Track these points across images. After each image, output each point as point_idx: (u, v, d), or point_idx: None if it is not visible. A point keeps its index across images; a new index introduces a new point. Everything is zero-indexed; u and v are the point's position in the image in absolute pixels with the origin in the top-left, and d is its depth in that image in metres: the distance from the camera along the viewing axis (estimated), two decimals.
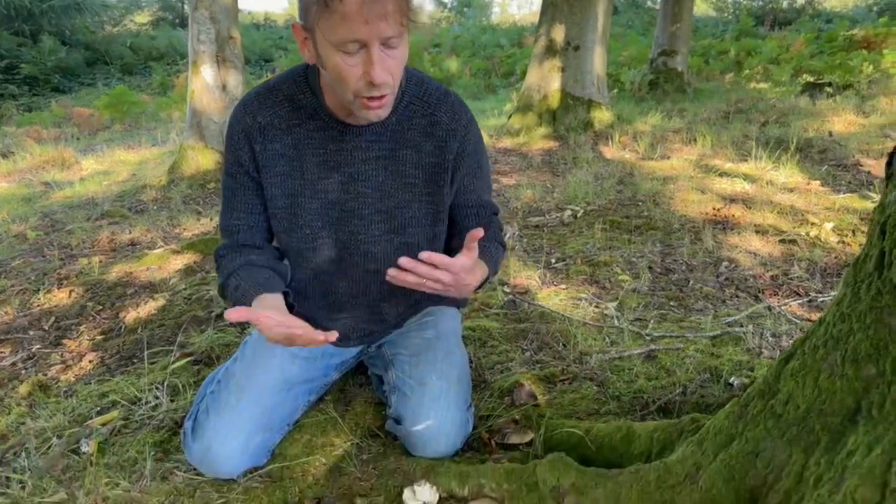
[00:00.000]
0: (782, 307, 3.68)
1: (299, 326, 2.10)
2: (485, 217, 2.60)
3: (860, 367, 1.59)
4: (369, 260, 2.55)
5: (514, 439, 2.58)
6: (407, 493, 2.32)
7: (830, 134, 7.95)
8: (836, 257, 4.45)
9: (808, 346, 1.75)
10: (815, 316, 3.61)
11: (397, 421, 2.56)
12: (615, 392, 2.92)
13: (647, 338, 3.46)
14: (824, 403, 1.65)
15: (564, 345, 3.48)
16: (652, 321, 3.70)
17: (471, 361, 3.21)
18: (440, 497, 2.33)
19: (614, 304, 4.00)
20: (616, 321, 3.71)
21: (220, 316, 4.28)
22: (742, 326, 3.42)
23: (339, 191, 2.47)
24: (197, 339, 3.81)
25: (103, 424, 3.02)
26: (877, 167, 6.57)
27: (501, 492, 2.25)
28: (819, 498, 1.53)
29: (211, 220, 6.65)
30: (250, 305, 2.27)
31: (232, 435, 2.46)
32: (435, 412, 2.47)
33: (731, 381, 2.80)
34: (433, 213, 2.54)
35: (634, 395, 2.87)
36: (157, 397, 3.13)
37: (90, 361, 3.90)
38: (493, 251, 2.54)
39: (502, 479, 2.26)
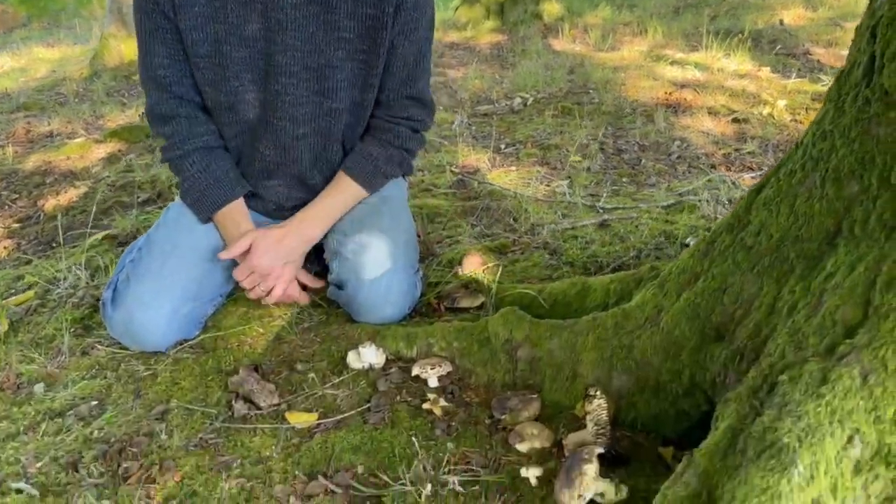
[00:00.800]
0: (736, 179, 3.59)
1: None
2: (400, 111, 2.41)
3: (842, 185, 1.46)
4: (295, 124, 2.32)
5: (465, 303, 2.45)
6: (351, 356, 2.17)
7: (781, 23, 7.82)
8: (788, 135, 4.38)
9: (782, 173, 1.62)
10: None
11: (339, 286, 2.39)
12: (568, 259, 2.79)
13: (601, 210, 3.33)
14: (800, 229, 1.52)
15: (515, 219, 3.34)
16: (605, 195, 3.58)
17: (418, 236, 3.04)
18: (387, 359, 2.18)
19: (566, 181, 3.85)
20: (568, 196, 3.57)
21: (146, 201, 3.99)
22: (696, 195, 3.32)
23: (266, 39, 2.20)
24: (121, 222, 3.52)
25: (18, 305, 2.76)
26: (827, 55, 6.50)
27: (451, 350, 2.12)
28: (794, 325, 1.42)
29: (136, 110, 6.18)
30: (211, 213, 2.36)
31: (157, 303, 2.24)
32: (380, 275, 2.30)
33: (686, 241, 2.70)
34: (364, 77, 2.30)
35: (588, 259, 2.75)
36: (77, 276, 2.87)
37: (5, 248, 3.59)
38: (366, 167, 2.42)
39: (452, 338, 2.12)
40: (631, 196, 3.56)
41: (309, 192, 2.48)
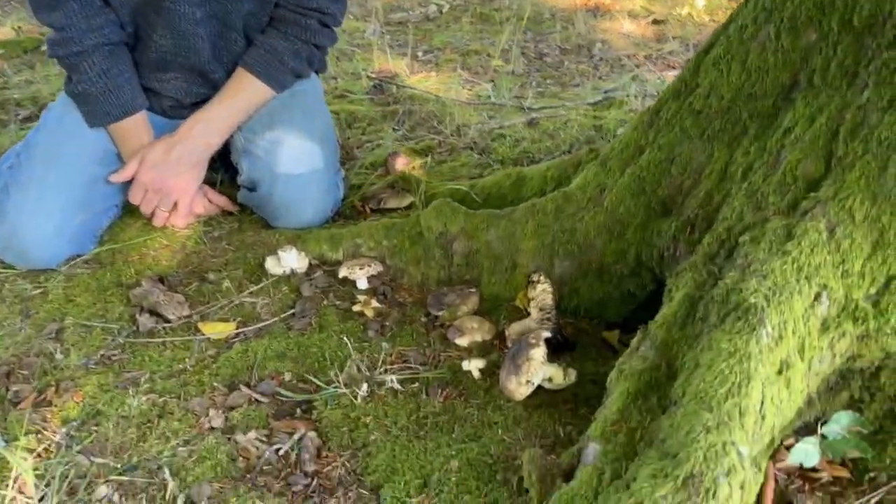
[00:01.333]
0: (662, 75, 3.51)
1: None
2: (309, 1, 2.11)
3: (799, 34, 1.36)
4: (190, 5, 2.03)
5: (392, 203, 2.28)
6: (270, 262, 1.97)
7: None
8: (708, 34, 4.34)
9: (732, 30, 1.50)
10: None
11: (251, 188, 2.16)
12: (498, 157, 2.65)
13: (527, 110, 3.19)
14: (754, 86, 1.42)
15: (440, 121, 3.15)
16: (530, 97, 3.43)
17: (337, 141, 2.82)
18: (310, 263, 2.01)
19: (490, 84, 3.68)
20: (493, 98, 3.41)
21: (28, 118, 3.56)
22: (622, 91, 3.22)
23: None
24: None
25: None
26: None
27: (381, 250, 1.96)
28: (751, 186, 1.33)
29: (12, 24, 5.53)
30: (105, 123, 2.10)
31: (43, 213, 1.96)
32: (297, 172, 2.09)
33: (617, 132, 2.59)
34: None
35: (519, 156, 2.62)
36: None
37: None
38: (270, 63, 2.13)
39: (381, 237, 1.96)
40: (557, 96, 3.43)
41: (211, 87, 2.21)
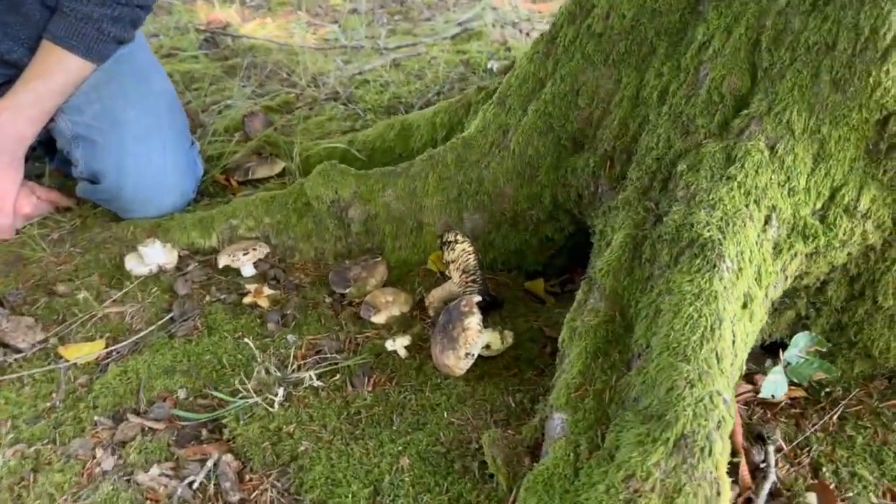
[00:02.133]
0: (513, 2, 3.40)
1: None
2: None
3: None
4: None
5: (262, 173, 2.02)
6: (130, 260, 1.68)
7: None
8: None
9: None
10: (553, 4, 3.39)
11: (93, 180, 1.83)
12: (367, 105, 2.44)
13: (384, 51, 2.97)
14: (657, 1, 1.31)
15: (291, 72, 2.87)
16: (383, 35, 3.20)
17: None
18: (179, 256, 1.73)
19: (335, 26, 3.40)
20: (343, 41, 3.15)
21: None
22: (478, 20, 3.08)
23: None
24: None
25: None
26: None
27: (263, 228, 1.72)
28: (673, 109, 1.24)
29: None
30: None
31: None
32: (148, 156, 1.78)
33: (489, 66, 2.46)
34: None
35: (390, 103, 2.42)
36: None
37: None
38: (85, 32, 1.75)
39: (261, 213, 1.72)
40: (410, 32, 3.23)
41: (11, 68, 1.82)
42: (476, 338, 1.28)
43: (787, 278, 1.12)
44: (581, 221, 1.49)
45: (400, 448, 1.21)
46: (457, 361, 1.28)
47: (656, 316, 1.05)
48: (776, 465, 1.09)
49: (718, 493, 0.92)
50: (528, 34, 2.81)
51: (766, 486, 1.05)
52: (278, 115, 2.40)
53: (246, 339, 1.48)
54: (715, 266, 1.02)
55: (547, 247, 1.56)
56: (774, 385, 1.10)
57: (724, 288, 1.01)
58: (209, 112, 2.56)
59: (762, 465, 1.10)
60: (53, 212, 1.94)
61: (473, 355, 1.29)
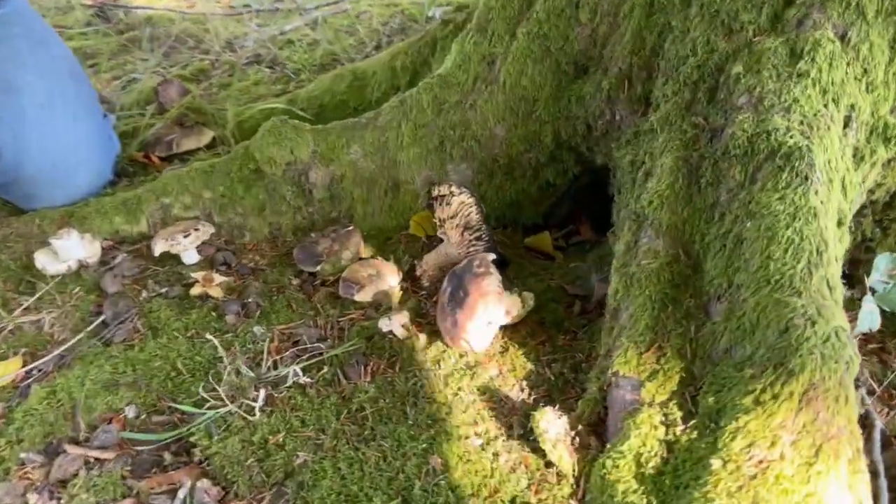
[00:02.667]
0: None
1: None
2: None
3: None
4: None
5: (189, 144, 1.71)
6: (42, 257, 1.36)
7: None
8: None
9: None
10: None
11: None
12: (297, 66, 2.16)
13: (304, 11, 2.68)
14: None
15: (199, 40, 2.53)
16: None
17: None
18: (103, 247, 1.42)
19: None
20: (255, 6, 2.83)
21: None
22: None
23: None
24: None
25: None
26: None
27: (203, 204, 1.43)
28: (706, 8, 1.06)
29: None
30: None
31: None
32: (53, 125, 1.45)
33: (430, 14, 2.22)
34: None
35: (325, 61, 2.15)
36: None
37: None
38: None
39: (199, 187, 1.43)
40: None
41: None
42: (497, 302, 1.06)
43: (863, 192, 0.96)
44: (588, 160, 1.29)
45: (424, 445, 0.98)
46: (477, 333, 1.06)
47: (737, 247, 0.86)
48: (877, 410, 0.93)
49: (859, 451, 0.74)
50: None
51: (877, 437, 0.88)
52: (194, 85, 2.08)
53: (207, 336, 1.20)
54: (807, 178, 0.84)
55: (547, 195, 1.36)
56: (871, 317, 0.94)
57: (821, 203, 0.83)
58: (112, 88, 2.21)
59: (861, 414, 0.93)
60: None
61: (496, 324, 1.07)
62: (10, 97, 1.42)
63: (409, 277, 1.30)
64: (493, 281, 1.07)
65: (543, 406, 0.95)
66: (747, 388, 0.76)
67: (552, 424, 0.91)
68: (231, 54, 2.34)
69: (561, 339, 1.11)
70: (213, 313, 1.28)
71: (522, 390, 1.04)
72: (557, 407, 0.95)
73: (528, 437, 0.96)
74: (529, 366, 1.07)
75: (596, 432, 0.92)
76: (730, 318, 0.83)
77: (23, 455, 1.05)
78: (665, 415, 0.83)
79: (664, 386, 0.85)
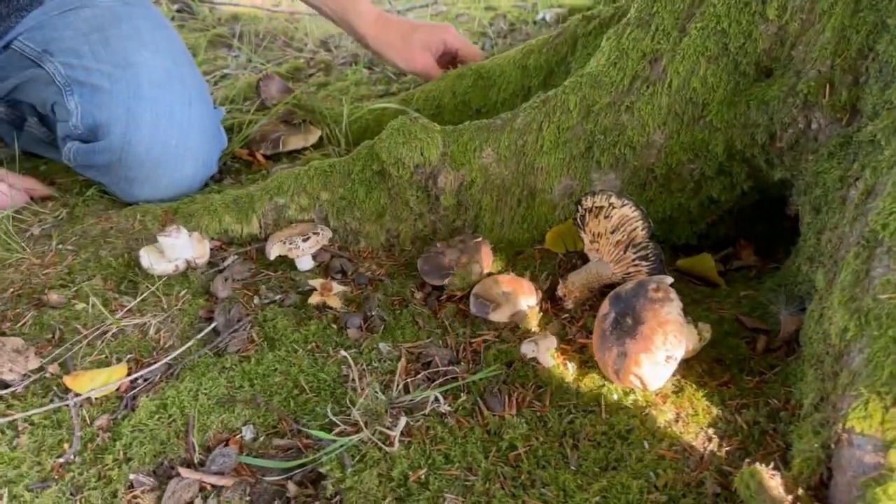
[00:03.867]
0: None
1: None
2: None
3: None
4: None
5: (295, 143, 1.61)
6: (147, 255, 1.26)
7: None
8: None
9: None
10: None
11: (86, 138, 1.39)
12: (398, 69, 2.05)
13: (398, 11, 2.58)
14: None
15: (290, 38, 2.45)
16: None
17: None
18: (211, 247, 1.32)
19: None
20: None
21: None
22: None
23: None
24: None
25: None
26: None
27: (321, 207, 1.32)
28: None
29: None
30: None
31: None
32: (170, 105, 1.37)
33: (541, 16, 2.10)
34: None
35: None
36: None
37: None
38: None
39: (317, 188, 1.32)
40: None
41: None
42: (679, 334, 0.91)
43: None
44: (763, 174, 1.13)
45: (597, 499, 0.84)
46: (653, 369, 0.91)
47: None
48: None
49: None
50: None
51: None
52: (293, 83, 1.99)
53: (327, 351, 1.08)
54: None
55: (708, 212, 1.21)
56: None
57: None
58: (211, 83, 2.14)
59: None
60: (29, 203, 1.50)
61: (677, 359, 0.92)
62: (127, 72, 1.34)
63: (549, 297, 1.17)
64: (674, 308, 0.92)
65: (748, 461, 0.80)
66: None
67: (765, 486, 0.76)
68: (325, 53, 2.26)
69: (747, 381, 0.96)
70: (334, 325, 1.16)
71: (710, 440, 0.89)
72: (771, 465, 0.80)
73: (727, 499, 0.81)
74: (715, 410, 0.92)
75: (818, 497, 0.76)
76: None
77: (132, 476, 0.94)
78: None
79: None
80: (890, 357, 0.75)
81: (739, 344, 1.01)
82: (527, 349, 1.05)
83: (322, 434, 0.96)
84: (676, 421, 0.92)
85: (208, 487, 0.93)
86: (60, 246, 1.36)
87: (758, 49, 1.09)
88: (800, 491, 0.76)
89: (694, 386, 0.96)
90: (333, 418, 0.98)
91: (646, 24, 1.17)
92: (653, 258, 1.04)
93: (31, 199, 1.51)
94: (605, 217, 1.07)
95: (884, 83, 0.93)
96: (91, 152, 1.37)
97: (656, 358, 0.91)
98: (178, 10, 2.93)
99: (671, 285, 0.97)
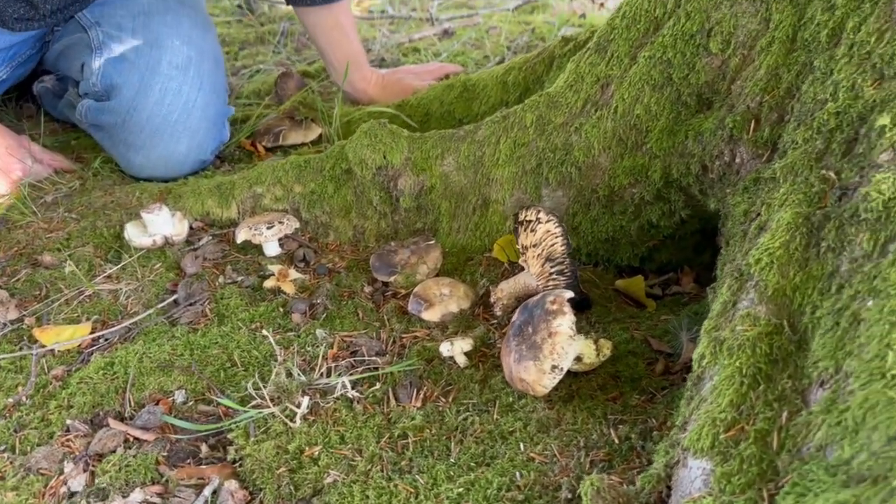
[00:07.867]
0: None
1: None
2: None
3: None
4: None
5: (294, 138, 1.72)
6: (132, 229, 1.39)
7: None
8: None
9: None
10: None
11: (100, 97, 1.56)
12: None
13: (436, 20, 2.67)
14: None
15: None
16: (435, 5, 2.90)
17: None
18: (191, 227, 1.44)
19: None
20: (391, 10, 2.85)
21: None
22: None
23: None
24: None
25: None
26: None
27: (293, 198, 1.42)
28: (857, 51, 0.91)
29: None
30: None
31: None
32: (180, 85, 1.51)
33: (560, 34, 2.13)
34: None
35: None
36: None
37: None
38: None
39: (291, 180, 1.41)
40: (466, 4, 2.92)
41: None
42: (567, 346, 0.96)
43: None
44: (699, 203, 1.16)
45: (461, 490, 0.89)
46: (539, 376, 0.96)
47: (852, 327, 0.72)
48: None
49: None
50: (601, 4, 2.48)
51: None
52: (315, 81, 2.10)
53: (264, 332, 1.17)
54: None
55: (648, 236, 1.24)
56: None
57: None
58: (239, 76, 2.28)
59: None
60: (51, 174, 1.66)
61: (562, 369, 0.96)
62: (153, 50, 1.51)
63: (483, 303, 1.22)
64: (565, 322, 0.96)
65: (598, 473, 0.84)
66: (833, 497, 0.62)
67: (601, 495, 0.80)
68: None
69: (635, 399, 0.99)
70: (281, 309, 1.26)
71: (580, 449, 0.92)
72: (612, 475, 0.84)
73: (574, 501, 0.85)
74: (592, 422, 0.96)
75: None
76: (830, 411, 0.69)
77: (69, 422, 1.05)
78: None
79: (740, 477, 0.72)
80: (733, 386, 0.78)
81: (639, 363, 1.04)
82: (443, 348, 1.10)
83: (236, 406, 1.05)
84: (556, 427, 0.96)
85: (131, 439, 1.03)
86: (67, 214, 1.51)
87: (700, 81, 1.11)
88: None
89: (583, 398, 1.00)
90: (252, 392, 1.07)
91: (603, 49, 1.21)
92: (568, 273, 1.09)
93: (55, 171, 1.67)
94: (532, 231, 1.12)
95: (797, 122, 0.94)
96: (100, 111, 1.53)
97: (543, 367, 0.96)
98: (239, 6, 3.11)
99: (573, 300, 1.01)
